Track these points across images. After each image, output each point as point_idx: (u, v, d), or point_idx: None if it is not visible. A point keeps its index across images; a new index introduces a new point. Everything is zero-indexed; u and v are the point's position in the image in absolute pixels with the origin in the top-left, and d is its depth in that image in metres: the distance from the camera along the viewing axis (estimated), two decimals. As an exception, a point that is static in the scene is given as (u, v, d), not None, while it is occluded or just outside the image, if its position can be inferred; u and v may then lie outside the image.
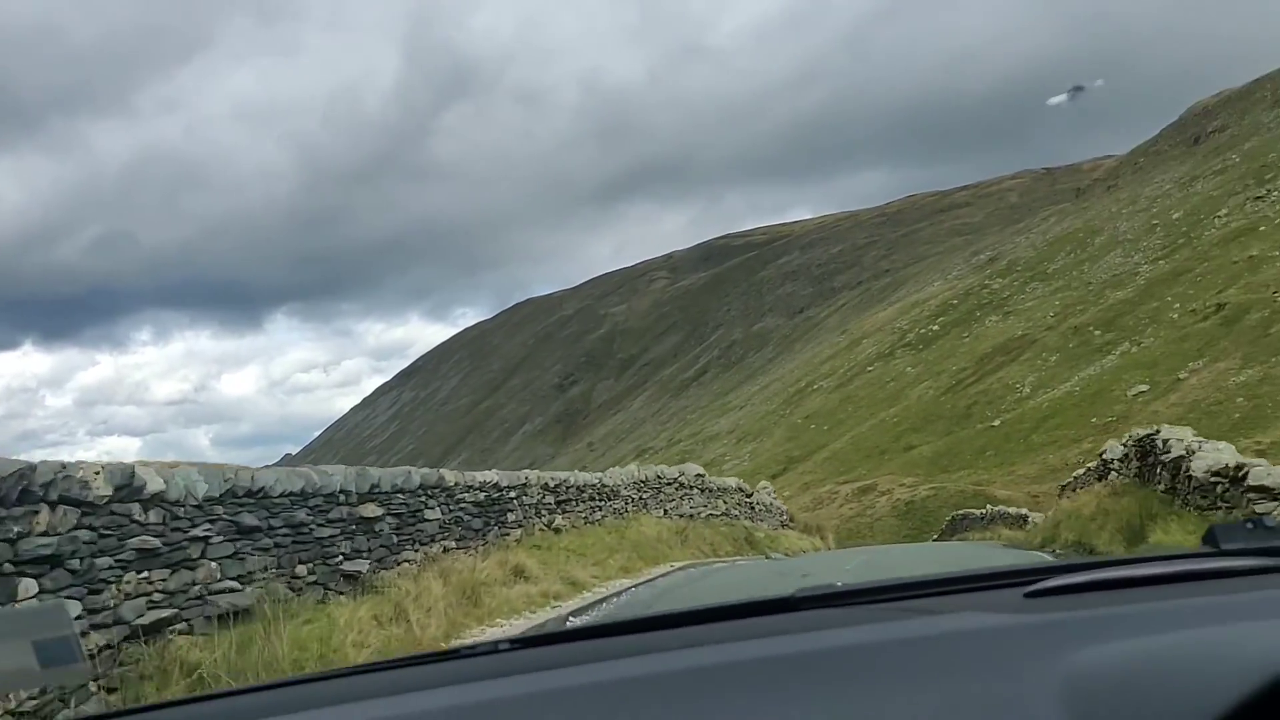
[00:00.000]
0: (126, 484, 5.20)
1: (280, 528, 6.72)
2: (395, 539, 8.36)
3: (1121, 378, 54.89)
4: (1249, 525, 1.35)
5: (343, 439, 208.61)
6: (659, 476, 17.97)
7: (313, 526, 7.12)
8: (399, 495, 8.53)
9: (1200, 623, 0.90)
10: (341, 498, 7.66)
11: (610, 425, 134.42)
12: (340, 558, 7.42)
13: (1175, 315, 58.25)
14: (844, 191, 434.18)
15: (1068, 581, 1.17)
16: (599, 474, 15.81)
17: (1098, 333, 62.83)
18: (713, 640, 1.06)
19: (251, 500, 6.46)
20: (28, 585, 4.45)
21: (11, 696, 3.80)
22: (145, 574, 5.36)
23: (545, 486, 13.24)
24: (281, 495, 6.77)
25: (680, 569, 13.11)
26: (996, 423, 58.62)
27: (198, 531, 5.83)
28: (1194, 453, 9.33)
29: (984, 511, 32.67)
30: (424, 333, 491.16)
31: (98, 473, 5.02)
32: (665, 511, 17.71)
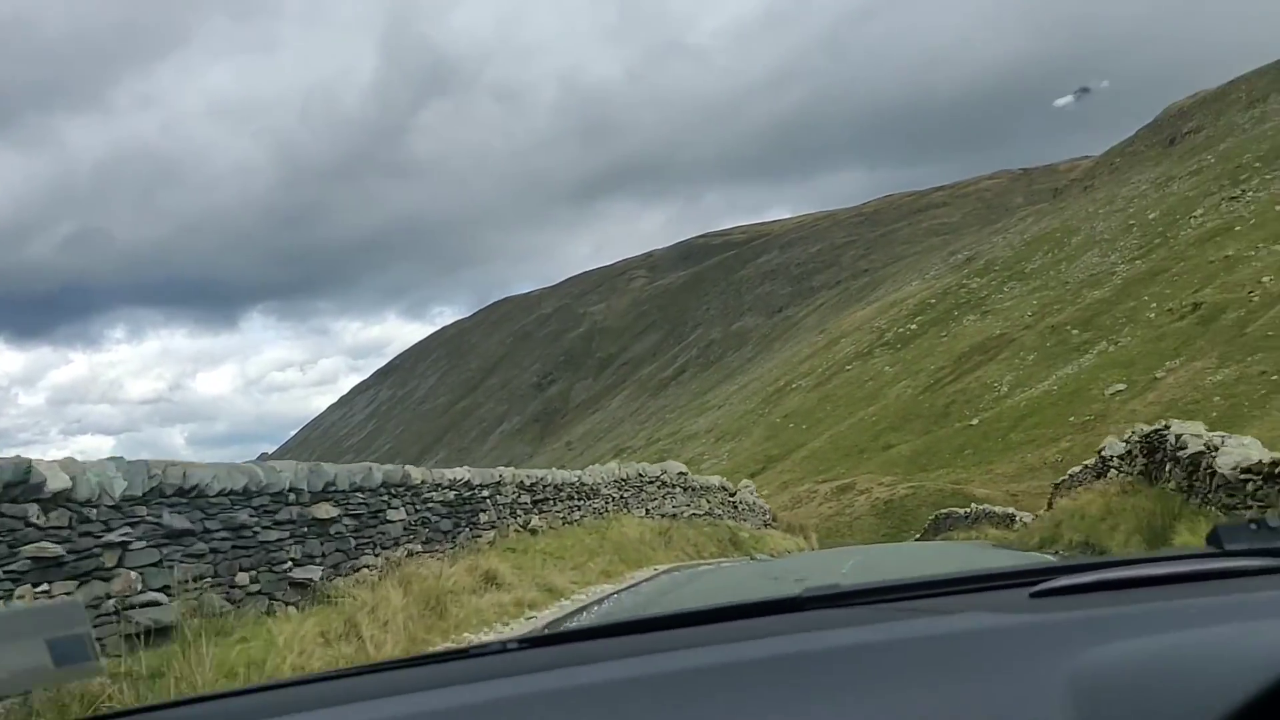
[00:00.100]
0: (21, 480, 4.41)
1: (218, 531, 5.93)
2: (353, 542, 7.59)
3: (1099, 377, 55.03)
4: (1253, 526, 1.33)
5: (319, 438, 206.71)
6: (640, 475, 17.28)
7: (257, 529, 6.32)
8: (358, 494, 7.76)
9: (1206, 623, 0.91)
10: (291, 497, 6.89)
11: (589, 424, 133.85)
12: (289, 564, 6.63)
13: (1152, 315, 58.51)
14: (822, 191, 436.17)
15: (1073, 581, 1.16)
16: (578, 472, 15.08)
17: (1075, 332, 63.03)
18: (721, 640, 1.06)
19: (183, 500, 5.66)
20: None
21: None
22: (45, 587, 4.57)
23: (521, 485, 12.50)
24: (220, 494, 5.98)
25: (665, 572, 12.41)
26: (975, 422, 58.63)
27: (114, 536, 5.04)
28: (1217, 449, 8.78)
29: (968, 511, 32.27)
30: (401, 331, 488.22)
31: (-15, 468, 4.22)
32: (647, 511, 17.02)
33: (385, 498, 8.23)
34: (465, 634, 6.55)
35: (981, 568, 1.38)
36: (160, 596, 5.22)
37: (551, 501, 13.54)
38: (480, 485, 10.80)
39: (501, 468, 12.17)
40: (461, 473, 10.23)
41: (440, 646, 6.33)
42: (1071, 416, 52.43)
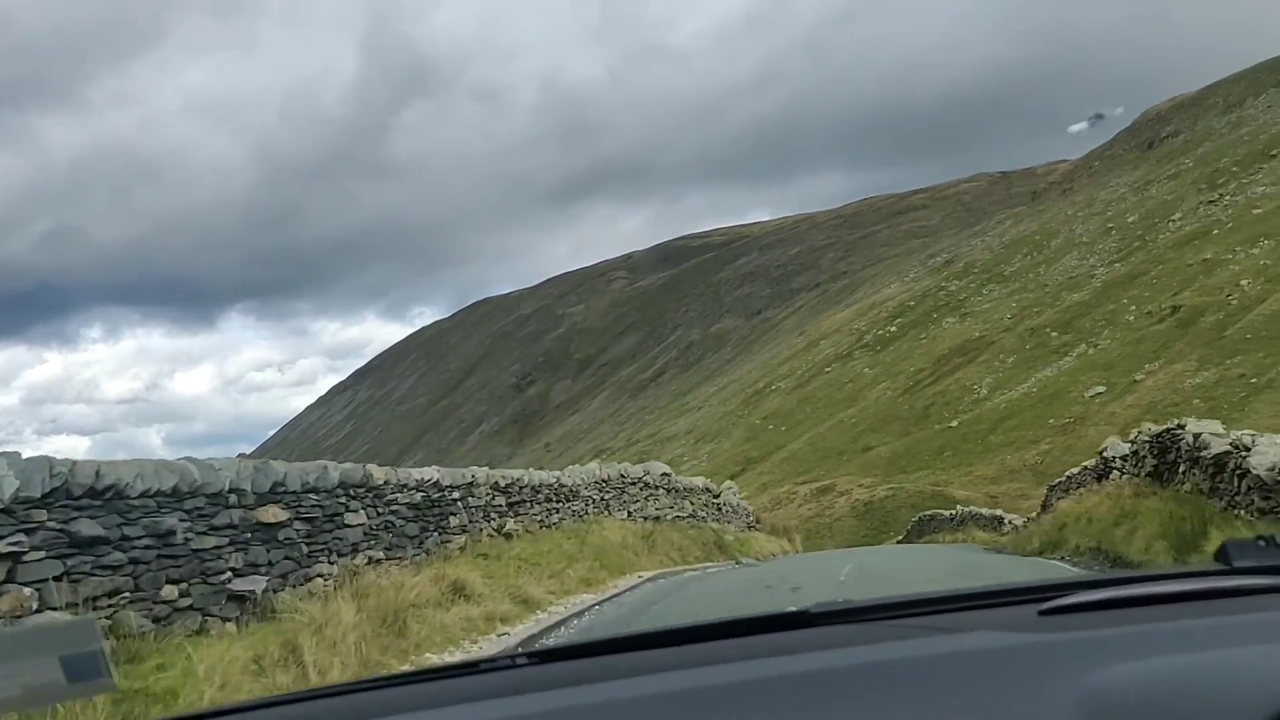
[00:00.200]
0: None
1: (140, 538, 5.13)
2: (306, 549, 6.80)
3: (1079, 379, 55.06)
4: (1261, 542, 1.33)
5: (297, 438, 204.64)
6: (622, 476, 16.56)
7: (189, 535, 5.52)
8: (311, 495, 6.96)
9: (1215, 644, 0.92)
10: (232, 498, 6.10)
11: (568, 426, 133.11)
12: (228, 574, 5.82)
13: (1131, 317, 58.68)
14: (802, 193, 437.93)
15: (1081, 599, 1.17)
16: (556, 473, 14.33)
17: (1054, 334, 63.13)
18: (735, 657, 1.06)
19: (96, 502, 4.87)
20: None
21: None
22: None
23: (495, 486, 11.74)
24: (144, 496, 5.18)
25: (650, 579, 11.66)
26: (954, 424, 58.52)
27: (1, 546, 4.23)
28: (1249, 449, 8.20)
29: (953, 512, 31.77)
30: (381, 332, 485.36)
31: None
32: (629, 514, 16.30)
33: (343, 499, 7.43)
34: (427, 654, 5.79)
35: (989, 584, 1.36)
36: (64, 616, 4.42)
37: (528, 504, 12.80)
38: (450, 486, 10.02)
39: (474, 468, 11.39)
40: (430, 473, 9.45)
41: (404, 667, 5.59)
42: (1051, 419, 52.41)
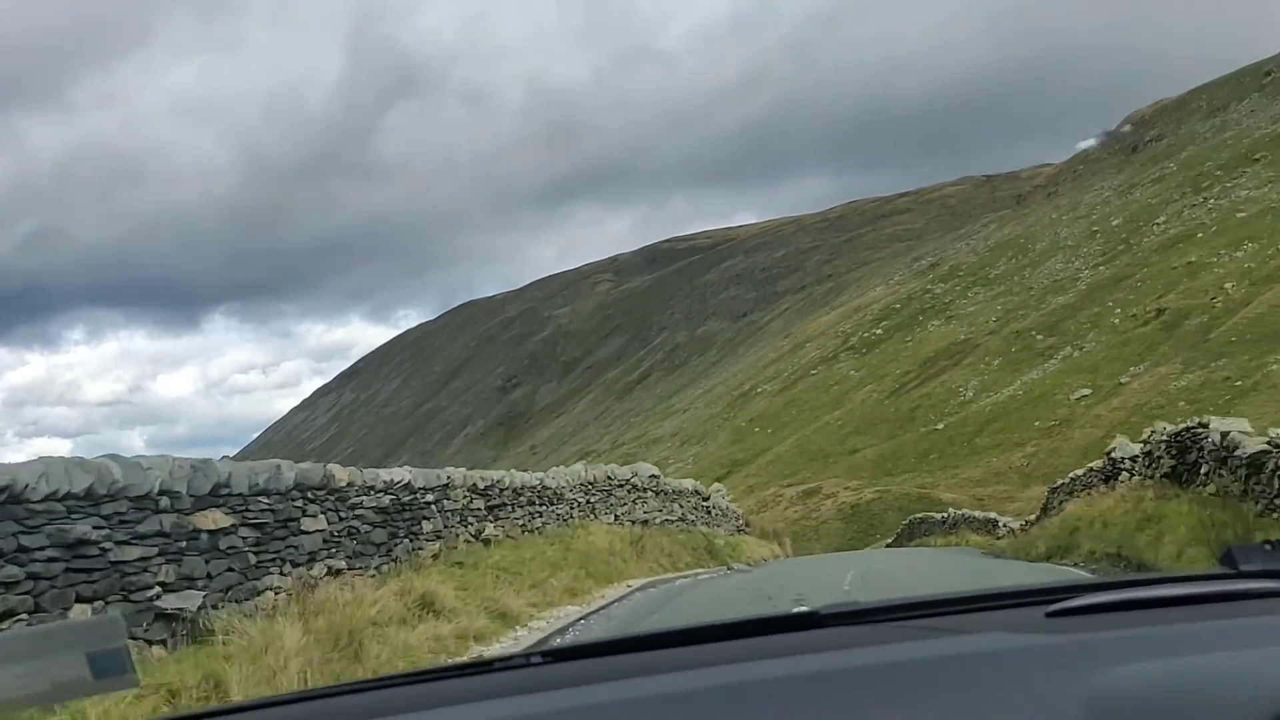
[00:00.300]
0: None
1: (43, 549, 4.37)
2: (254, 559, 6.06)
3: (1064, 382, 54.94)
4: (1267, 546, 1.34)
5: (281, 441, 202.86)
6: (609, 478, 15.83)
7: (107, 545, 4.76)
8: (261, 499, 6.21)
9: (1222, 646, 0.93)
10: (164, 502, 5.35)
11: (553, 428, 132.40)
12: (155, 590, 5.04)
13: (1116, 320, 58.65)
14: (788, 197, 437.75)
15: (1088, 602, 1.19)
16: (540, 474, 13.58)
17: (1040, 337, 63.04)
18: (745, 657, 1.08)
19: (-13, 507, 4.11)
20: None
21: None
22: None
23: (473, 489, 10.99)
24: (48, 499, 4.42)
25: (639, 589, 10.90)
26: (940, 426, 58.29)
27: None
28: (1289, 449, 7.60)
29: (945, 515, 31.17)
30: (365, 334, 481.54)
31: None
32: (616, 517, 15.57)
33: (300, 503, 6.67)
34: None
35: (997, 586, 1.35)
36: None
37: (509, 507, 12.06)
38: (423, 489, 9.26)
39: (450, 468, 10.64)
40: (400, 473, 8.69)
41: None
42: (1037, 421, 52.25)
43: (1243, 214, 60.53)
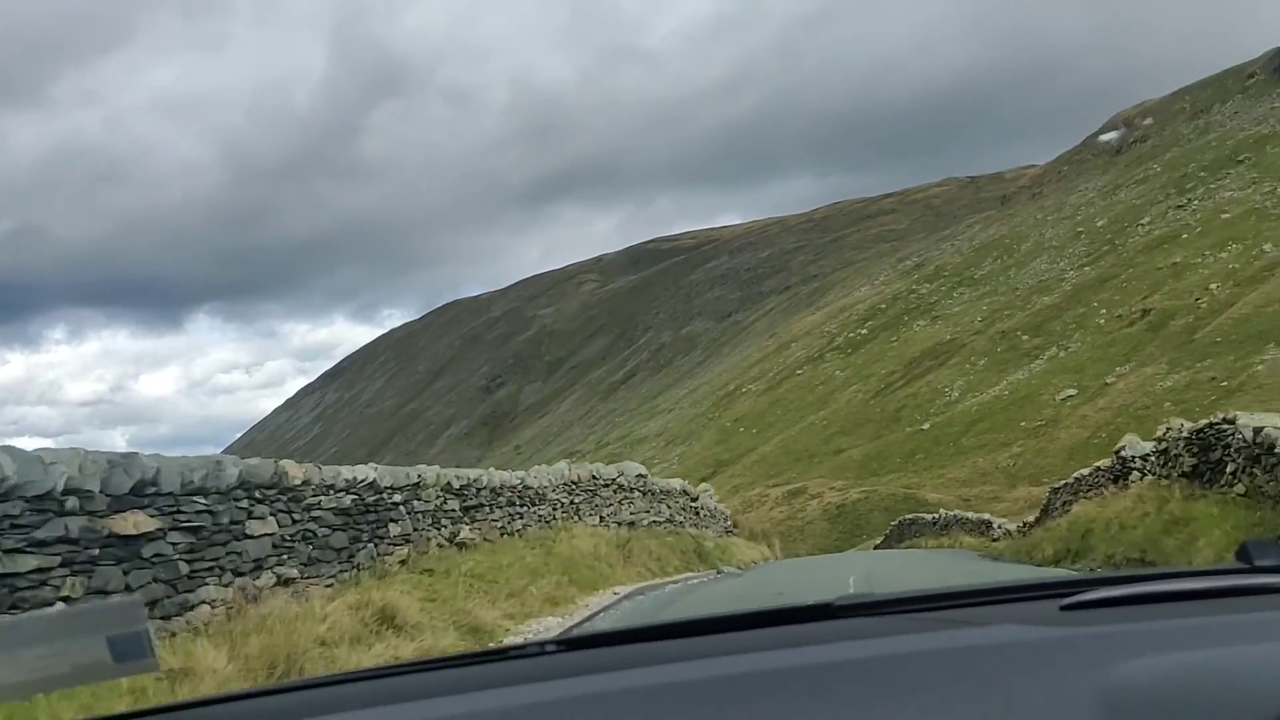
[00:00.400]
0: None
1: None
2: (186, 568, 5.43)
3: (1050, 382, 54.90)
4: None
5: (265, 440, 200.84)
6: (595, 477, 15.26)
7: None
8: (197, 499, 5.59)
9: (1235, 640, 0.94)
10: (71, 502, 4.74)
11: (538, 428, 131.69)
12: (57, 607, 4.45)
13: (1102, 321, 58.69)
14: (772, 197, 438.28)
15: (1103, 595, 1.19)
16: (520, 473, 13.01)
17: (1025, 338, 63.03)
18: (758, 647, 1.09)
19: None
20: None
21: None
22: None
23: (447, 488, 10.43)
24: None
25: (627, 596, 10.31)
26: (926, 426, 58.13)
27: None
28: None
29: (936, 516, 30.73)
30: (350, 334, 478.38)
31: None
32: (602, 519, 15.01)
33: (245, 504, 6.05)
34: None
35: (1009, 579, 1.33)
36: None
37: (487, 508, 11.50)
38: (391, 488, 8.69)
39: (423, 466, 10.07)
40: (364, 471, 8.11)
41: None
42: (1023, 421, 52.18)
43: (1227, 215, 60.72)
